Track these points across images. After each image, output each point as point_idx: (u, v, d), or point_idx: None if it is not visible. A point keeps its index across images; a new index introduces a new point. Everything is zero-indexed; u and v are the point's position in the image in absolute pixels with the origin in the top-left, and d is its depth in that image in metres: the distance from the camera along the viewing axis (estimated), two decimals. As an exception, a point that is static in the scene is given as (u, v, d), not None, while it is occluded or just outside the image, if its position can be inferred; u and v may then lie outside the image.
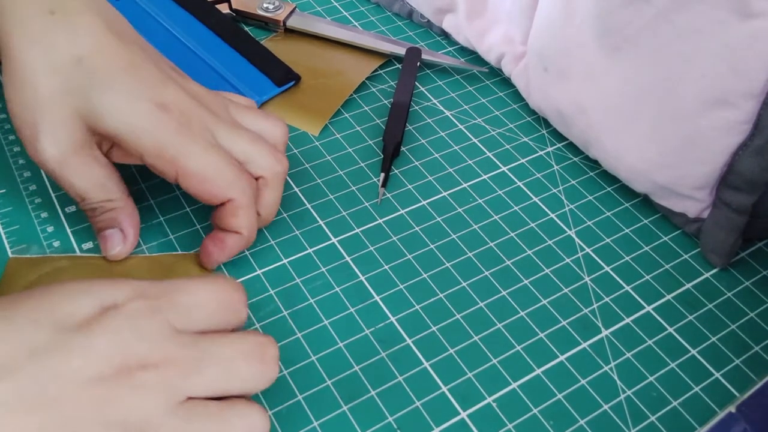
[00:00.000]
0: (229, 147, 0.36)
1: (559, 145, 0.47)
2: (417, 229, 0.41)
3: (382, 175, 0.43)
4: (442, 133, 0.47)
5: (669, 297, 0.39)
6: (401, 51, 0.51)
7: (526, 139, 0.47)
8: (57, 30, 0.34)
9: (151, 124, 0.34)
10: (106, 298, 0.28)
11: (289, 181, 0.43)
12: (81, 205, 0.37)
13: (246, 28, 0.54)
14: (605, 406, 0.34)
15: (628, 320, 0.38)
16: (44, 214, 0.40)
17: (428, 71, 0.52)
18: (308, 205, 0.42)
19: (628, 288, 0.39)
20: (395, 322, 0.37)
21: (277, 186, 0.38)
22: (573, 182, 0.45)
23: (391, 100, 0.49)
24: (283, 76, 0.49)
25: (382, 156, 0.45)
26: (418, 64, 0.51)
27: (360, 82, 0.50)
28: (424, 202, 0.43)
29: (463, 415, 0.34)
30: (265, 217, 0.39)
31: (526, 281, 0.39)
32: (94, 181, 0.36)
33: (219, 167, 0.35)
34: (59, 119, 0.34)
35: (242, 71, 0.49)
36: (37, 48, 0.34)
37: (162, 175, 0.36)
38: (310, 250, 0.40)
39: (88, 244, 0.39)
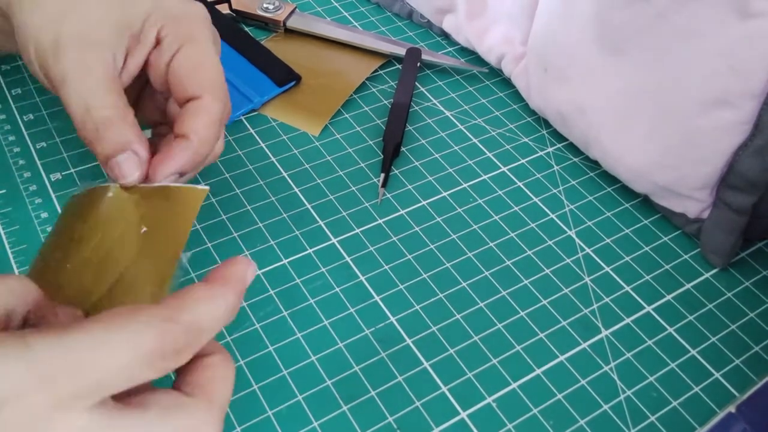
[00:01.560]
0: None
1: (559, 146, 0.47)
2: (417, 229, 0.41)
3: (382, 175, 0.43)
4: (442, 134, 0.47)
5: (669, 297, 0.39)
6: (401, 51, 0.51)
7: (526, 140, 0.47)
8: None
9: None
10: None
11: (289, 181, 0.43)
12: (85, 121, 0.32)
13: (246, 29, 0.54)
14: (605, 406, 0.34)
15: (628, 320, 0.38)
16: (44, 214, 0.40)
17: (428, 71, 0.52)
18: (308, 206, 0.42)
19: (628, 288, 0.39)
20: (395, 323, 0.37)
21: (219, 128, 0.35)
22: (573, 183, 0.45)
23: (391, 100, 0.49)
24: (284, 77, 0.49)
25: (382, 156, 0.45)
26: (418, 64, 0.51)
27: (360, 82, 0.50)
28: (424, 203, 0.43)
29: (463, 415, 0.34)
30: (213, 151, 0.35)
31: (526, 281, 0.39)
32: (113, 97, 0.33)
33: (218, 64, 0.35)
34: (84, 24, 0.33)
35: (243, 71, 0.49)
36: None
37: (157, 65, 0.34)
38: (310, 251, 0.40)
39: (88, 245, 0.39)
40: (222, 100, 0.34)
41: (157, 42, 0.35)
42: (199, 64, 0.34)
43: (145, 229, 0.31)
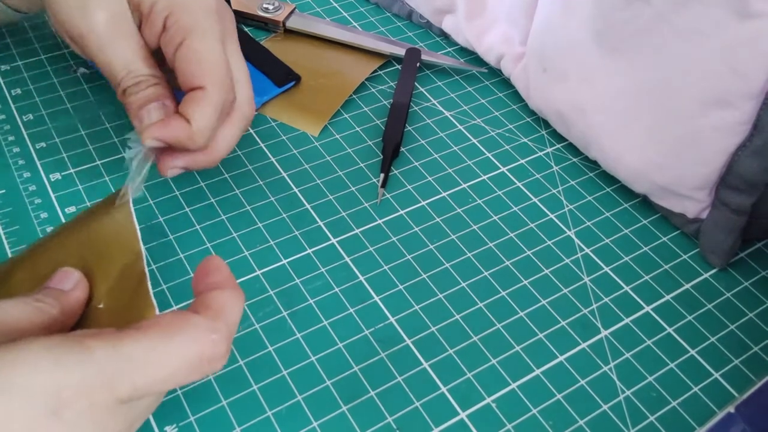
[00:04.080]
0: (229, 56, 0.37)
1: (558, 146, 0.47)
2: (416, 229, 0.41)
3: (382, 175, 0.43)
4: (442, 134, 0.47)
5: (668, 297, 0.39)
6: (401, 52, 0.51)
7: (525, 140, 0.47)
8: None
9: None
10: (50, 401, 0.24)
11: (289, 181, 0.43)
12: (124, 80, 0.36)
13: (246, 29, 0.54)
14: (604, 407, 0.34)
15: (627, 320, 0.38)
16: (44, 215, 0.40)
17: (428, 72, 0.52)
18: (308, 206, 0.42)
19: (627, 288, 0.39)
20: (395, 323, 0.37)
21: (241, 124, 0.38)
22: (572, 183, 0.45)
23: (391, 100, 0.49)
24: (283, 77, 0.49)
25: (382, 156, 0.45)
26: (418, 64, 0.51)
27: (360, 82, 0.50)
28: (423, 203, 0.43)
29: (463, 415, 0.34)
30: (218, 146, 0.37)
31: (525, 282, 0.39)
32: (140, 53, 0.36)
33: (220, 56, 0.36)
34: None
35: (242, 72, 0.49)
36: None
37: (166, 50, 0.36)
38: (309, 251, 0.40)
39: (88, 245, 0.39)
40: (222, 93, 0.36)
41: (164, 28, 0.36)
42: (202, 57, 0.35)
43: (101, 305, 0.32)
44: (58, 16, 0.36)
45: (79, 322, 0.31)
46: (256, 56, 0.50)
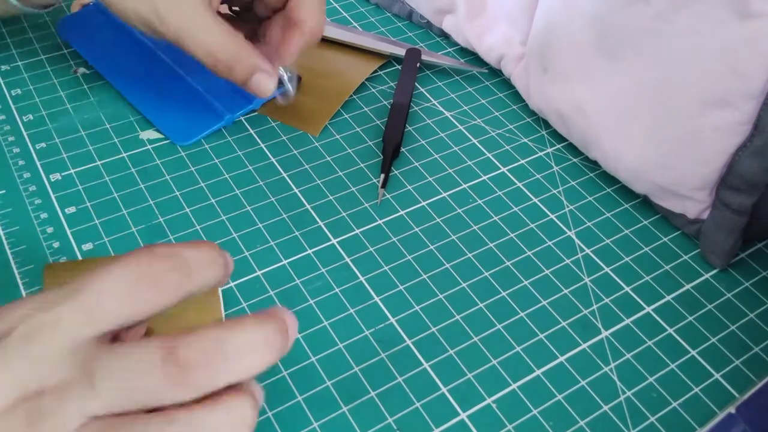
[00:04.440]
0: None
1: (558, 146, 0.47)
2: (417, 230, 0.41)
3: (382, 176, 0.43)
4: (442, 134, 0.47)
5: (669, 298, 0.39)
6: (401, 52, 0.51)
7: (525, 140, 0.47)
8: None
9: None
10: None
11: (289, 182, 0.43)
12: (217, 68, 0.39)
13: (246, 29, 0.54)
14: (605, 407, 0.34)
15: (627, 321, 0.38)
16: (44, 215, 0.40)
17: (428, 72, 0.52)
18: (308, 206, 0.42)
19: (627, 289, 0.39)
20: (395, 323, 0.37)
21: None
22: (573, 183, 0.45)
23: (391, 101, 0.49)
24: (283, 77, 0.49)
25: (382, 157, 0.45)
26: (418, 65, 0.51)
27: (360, 83, 0.50)
28: (423, 203, 0.43)
29: (463, 416, 0.33)
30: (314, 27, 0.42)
31: (525, 282, 0.39)
32: (218, 39, 0.38)
33: None
34: None
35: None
36: None
37: None
38: (309, 251, 0.40)
39: (88, 245, 0.39)
40: None
41: None
42: None
43: None
44: (123, 14, 0.38)
45: None
46: (256, 56, 0.50)
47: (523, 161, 0.46)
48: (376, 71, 0.51)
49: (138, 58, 0.49)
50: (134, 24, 0.39)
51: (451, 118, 0.49)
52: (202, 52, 0.38)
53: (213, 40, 0.38)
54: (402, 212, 0.42)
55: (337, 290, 0.38)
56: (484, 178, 0.45)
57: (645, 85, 0.39)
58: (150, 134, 0.45)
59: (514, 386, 0.35)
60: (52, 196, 0.41)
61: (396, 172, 0.45)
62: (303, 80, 0.49)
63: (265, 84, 0.40)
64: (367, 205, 0.43)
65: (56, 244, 0.39)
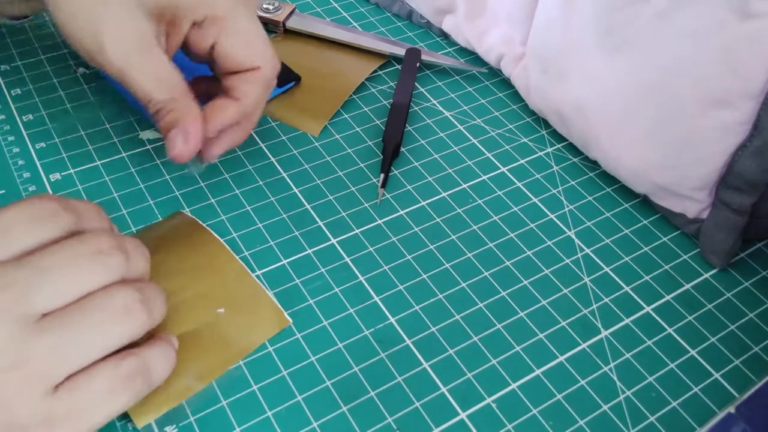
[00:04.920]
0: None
1: (558, 146, 0.47)
2: (416, 229, 0.41)
3: (382, 175, 0.43)
4: (442, 134, 0.47)
5: (668, 297, 0.39)
6: (401, 52, 0.51)
7: (525, 140, 0.47)
8: None
9: None
10: None
11: (289, 181, 0.43)
12: (149, 107, 0.37)
13: (246, 29, 0.54)
14: (605, 407, 0.34)
15: (627, 321, 0.38)
16: (44, 215, 0.40)
17: (428, 72, 0.52)
18: (308, 206, 0.42)
19: (627, 288, 0.39)
20: (395, 323, 0.37)
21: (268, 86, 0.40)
22: (572, 183, 0.45)
23: (391, 100, 0.49)
24: (283, 77, 0.49)
25: (382, 157, 0.45)
26: (418, 64, 0.51)
27: (359, 82, 0.50)
28: (423, 203, 0.43)
29: (463, 415, 0.34)
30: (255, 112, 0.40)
31: (525, 282, 0.39)
32: (159, 77, 0.36)
33: (263, 33, 0.39)
34: (123, 11, 0.35)
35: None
36: None
37: (198, 44, 0.38)
38: (309, 251, 0.40)
39: (88, 245, 0.39)
40: (274, 65, 0.39)
41: (193, 26, 0.37)
42: (247, 41, 0.38)
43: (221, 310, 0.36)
44: (69, 39, 0.36)
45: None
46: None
47: (522, 161, 0.46)
48: (376, 71, 0.51)
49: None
50: (80, 53, 0.37)
51: (451, 118, 0.49)
52: (140, 91, 0.36)
53: (149, 80, 0.36)
54: (402, 212, 0.42)
55: (336, 290, 0.38)
56: (484, 177, 0.45)
57: (645, 84, 0.39)
58: (150, 134, 0.45)
59: (513, 386, 0.35)
60: (52, 196, 0.41)
61: (396, 171, 0.45)
62: (303, 80, 0.50)
63: (173, 143, 0.37)
64: (366, 204, 0.43)
65: (56, 244, 0.39)
